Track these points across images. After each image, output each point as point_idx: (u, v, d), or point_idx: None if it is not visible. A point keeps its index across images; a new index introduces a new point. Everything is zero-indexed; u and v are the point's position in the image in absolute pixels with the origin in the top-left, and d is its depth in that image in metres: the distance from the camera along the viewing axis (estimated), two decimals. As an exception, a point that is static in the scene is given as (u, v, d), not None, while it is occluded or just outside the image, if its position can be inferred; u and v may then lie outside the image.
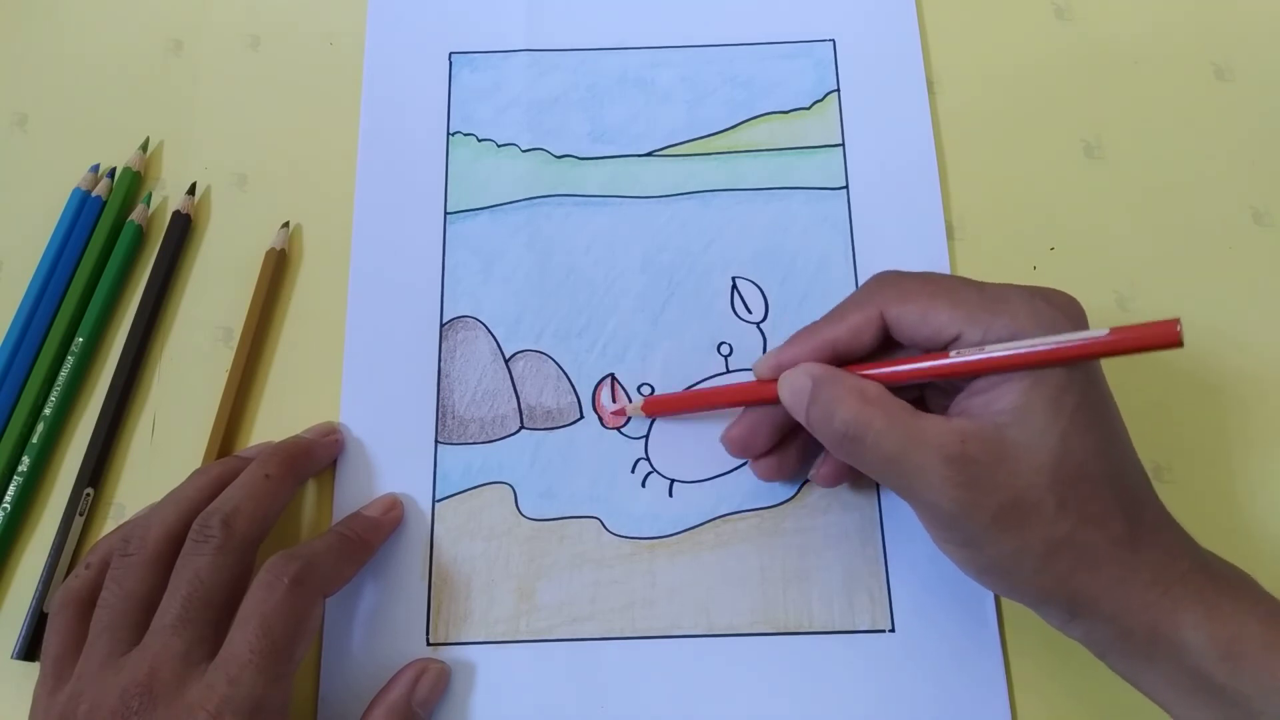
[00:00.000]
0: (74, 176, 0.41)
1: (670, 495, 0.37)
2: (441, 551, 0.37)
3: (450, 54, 0.44)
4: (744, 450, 0.36)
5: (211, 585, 0.31)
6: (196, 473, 0.35)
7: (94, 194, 0.41)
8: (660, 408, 0.38)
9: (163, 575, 0.32)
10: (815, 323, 0.32)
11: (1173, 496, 0.36)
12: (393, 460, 0.38)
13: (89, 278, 0.40)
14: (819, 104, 0.43)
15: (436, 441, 0.38)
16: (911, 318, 0.30)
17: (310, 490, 0.38)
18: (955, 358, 0.29)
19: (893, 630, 0.35)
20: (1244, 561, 0.30)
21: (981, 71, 0.43)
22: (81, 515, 0.37)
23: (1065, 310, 0.29)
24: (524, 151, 0.42)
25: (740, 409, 0.36)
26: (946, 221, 0.41)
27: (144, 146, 0.42)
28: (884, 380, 0.31)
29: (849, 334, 0.31)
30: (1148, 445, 0.37)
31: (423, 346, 0.39)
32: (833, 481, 0.36)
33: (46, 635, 0.32)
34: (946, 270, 0.40)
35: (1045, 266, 0.40)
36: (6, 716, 0.35)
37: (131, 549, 0.32)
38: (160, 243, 0.41)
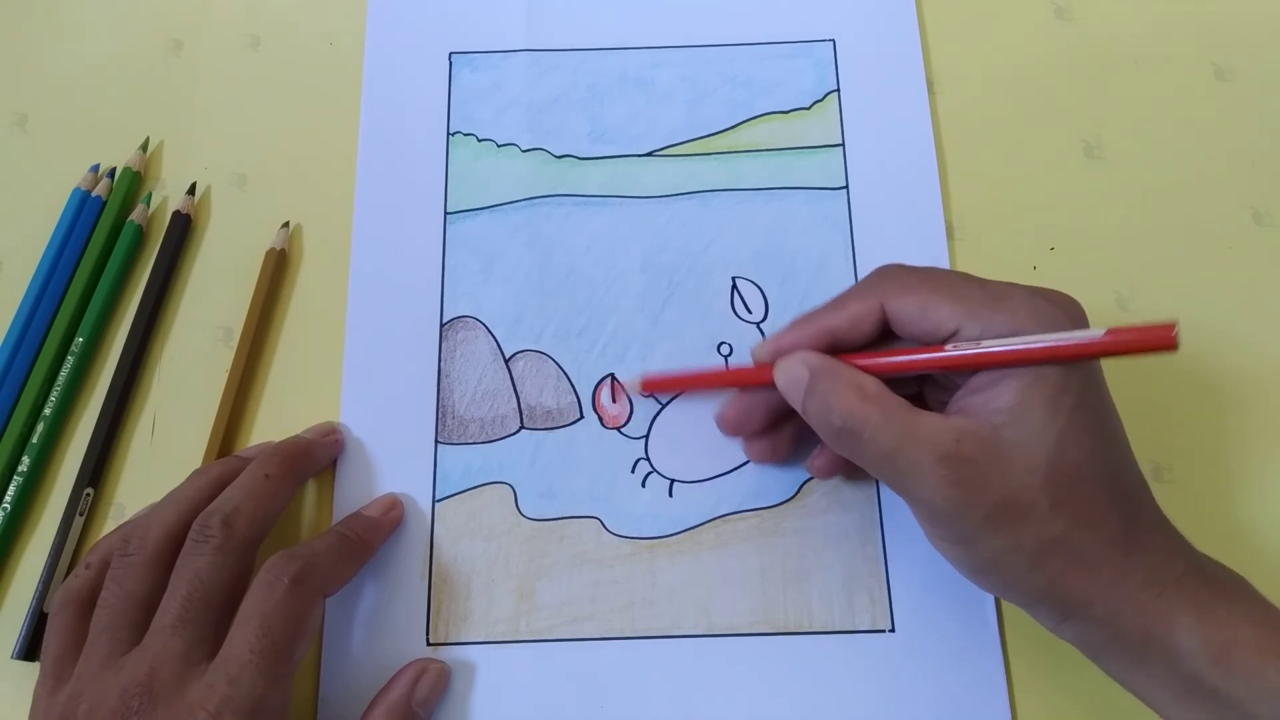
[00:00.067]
0: (74, 176, 0.41)
1: (670, 495, 0.37)
2: (441, 551, 0.37)
3: (450, 54, 0.44)
4: (737, 430, 0.36)
5: (211, 585, 0.31)
6: (196, 473, 0.35)
7: (94, 194, 0.41)
8: (658, 387, 0.38)
9: (163, 575, 0.32)
10: (816, 309, 0.32)
11: (1172, 497, 0.36)
12: (393, 460, 0.38)
13: (89, 278, 0.40)
14: (819, 104, 0.43)
15: (436, 441, 0.38)
16: (911, 310, 0.30)
17: (310, 490, 0.38)
18: (951, 351, 0.29)
19: (893, 630, 0.35)
20: (1242, 561, 0.30)
21: (981, 71, 0.43)
22: (81, 515, 0.37)
23: (1066, 310, 0.29)
24: (524, 151, 0.42)
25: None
26: (946, 221, 0.41)
27: (144, 146, 0.42)
28: (879, 371, 0.31)
29: (848, 323, 0.31)
30: (1147, 445, 0.37)
31: (423, 346, 0.39)
32: (828, 473, 0.36)
33: (46, 635, 0.32)
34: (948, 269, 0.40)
35: (1045, 266, 0.40)
36: (6, 716, 0.35)
37: (131, 549, 0.32)
38: (160, 243, 0.41)
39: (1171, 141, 0.42)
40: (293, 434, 0.37)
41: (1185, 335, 0.27)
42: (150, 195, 0.42)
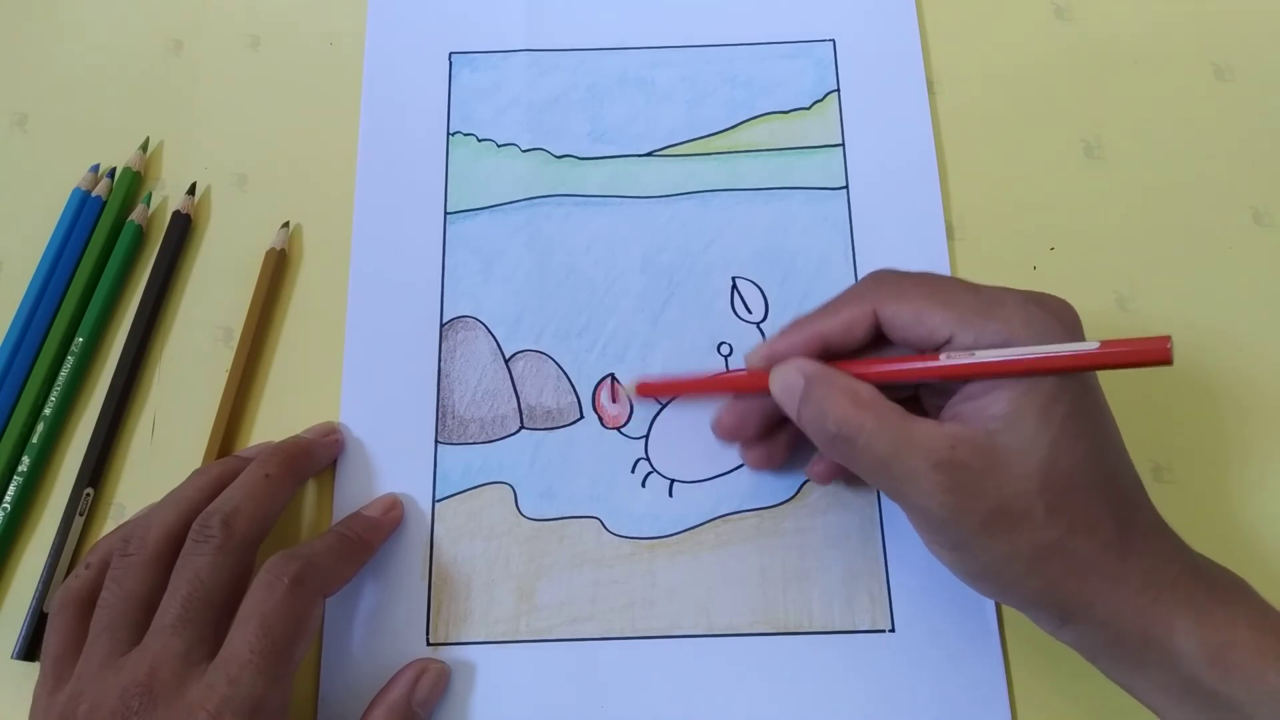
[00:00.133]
0: (74, 176, 0.41)
1: (670, 495, 0.37)
2: (441, 551, 0.37)
3: (450, 54, 0.44)
4: (732, 436, 0.36)
5: (211, 585, 0.31)
6: (196, 473, 0.35)
7: (94, 194, 0.41)
8: (654, 390, 0.38)
9: (163, 575, 0.32)
10: (809, 314, 0.32)
11: (1172, 497, 0.36)
12: (393, 460, 0.38)
13: (89, 278, 0.40)
14: (819, 104, 0.43)
15: (436, 441, 0.38)
16: (905, 317, 0.30)
17: (310, 490, 0.38)
18: (944, 361, 0.29)
19: (893, 630, 0.35)
20: (1242, 561, 0.30)
21: (981, 71, 0.43)
22: (81, 515, 0.37)
23: (1060, 316, 0.29)
24: (524, 151, 0.42)
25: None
26: (946, 221, 0.41)
27: (144, 146, 0.42)
28: (873, 379, 0.31)
29: (841, 329, 0.31)
30: (1147, 445, 0.37)
31: (423, 346, 0.39)
32: (828, 479, 0.36)
33: (46, 635, 0.32)
34: (946, 270, 0.40)
35: (1045, 266, 0.40)
36: (6, 716, 0.35)
37: (131, 549, 0.32)
38: (160, 243, 0.41)
39: (1171, 141, 0.42)
40: (293, 434, 0.37)
41: (1185, 335, 0.27)
42: (150, 195, 0.42)
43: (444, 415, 0.38)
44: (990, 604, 0.35)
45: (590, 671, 0.35)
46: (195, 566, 0.31)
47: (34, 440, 0.38)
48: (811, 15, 0.44)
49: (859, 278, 0.40)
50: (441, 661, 0.35)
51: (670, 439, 0.38)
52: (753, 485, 0.37)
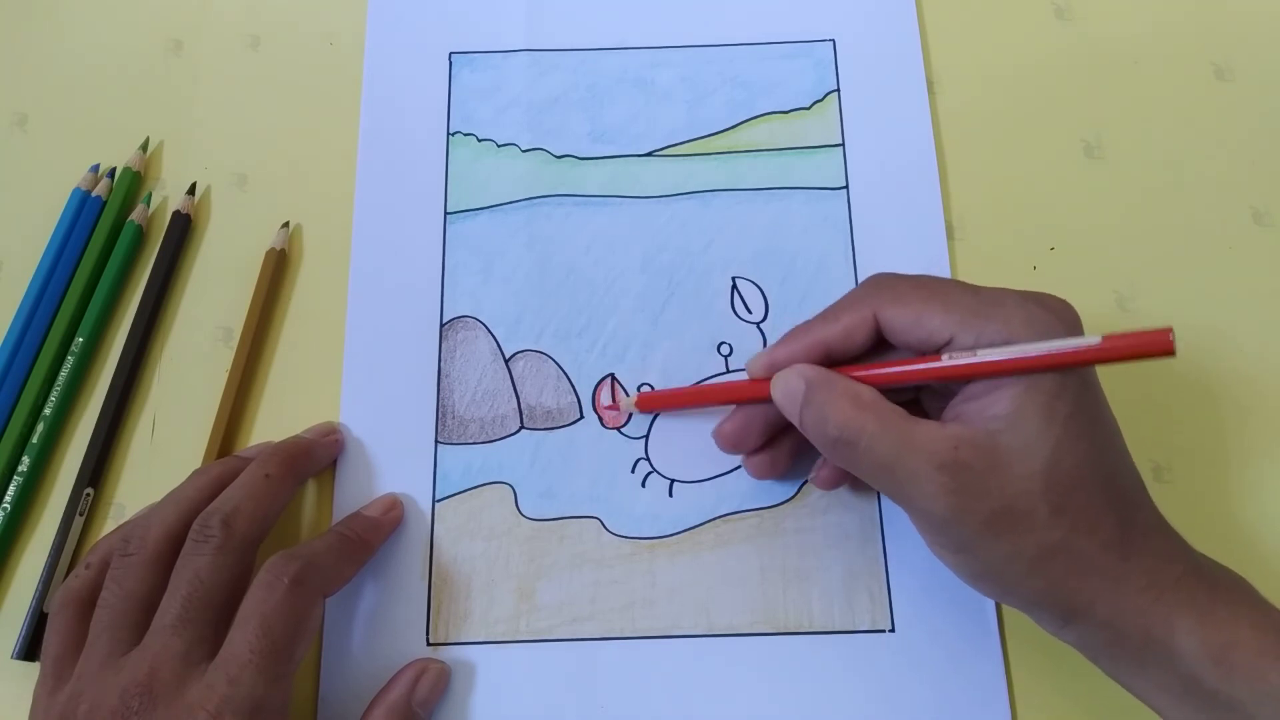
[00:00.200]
0: (74, 176, 0.41)
1: (670, 495, 0.37)
2: (441, 551, 0.37)
3: (450, 54, 0.44)
4: (736, 446, 0.36)
5: (211, 585, 0.31)
6: (196, 473, 0.35)
7: (94, 194, 0.41)
8: (654, 404, 0.38)
9: (163, 575, 0.32)
10: (808, 321, 0.32)
11: (1172, 496, 0.36)
12: (393, 460, 0.38)
13: (89, 278, 0.40)
14: (819, 104, 0.43)
15: (436, 441, 0.38)
16: (905, 320, 0.30)
17: (310, 490, 0.38)
18: (946, 361, 0.29)
19: (893, 630, 0.35)
20: (1242, 561, 0.30)
21: (981, 71, 0.43)
22: (81, 515, 0.37)
23: (1060, 315, 0.29)
24: (524, 151, 0.42)
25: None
26: (946, 221, 0.41)
27: (144, 146, 0.42)
28: (875, 382, 0.31)
29: (842, 334, 0.31)
30: (1147, 445, 0.37)
31: (423, 346, 0.39)
32: (832, 485, 0.36)
33: (46, 635, 0.32)
34: (946, 270, 0.40)
35: (1045, 267, 0.40)
36: (6, 716, 0.35)
37: (131, 549, 0.32)
38: (160, 243, 0.41)
39: (1171, 141, 0.42)
40: (293, 434, 0.37)
41: (1185, 335, 0.27)
42: (150, 195, 0.42)
43: (444, 415, 0.38)
44: (990, 604, 0.35)
45: (590, 671, 0.35)
46: (195, 566, 0.31)
47: (34, 440, 0.38)
48: (811, 15, 0.44)
49: (859, 278, 0.40)
50: (441, 661, 0.35)
51: (670, 439, 0.38)
52: (753, 485, 0.37)
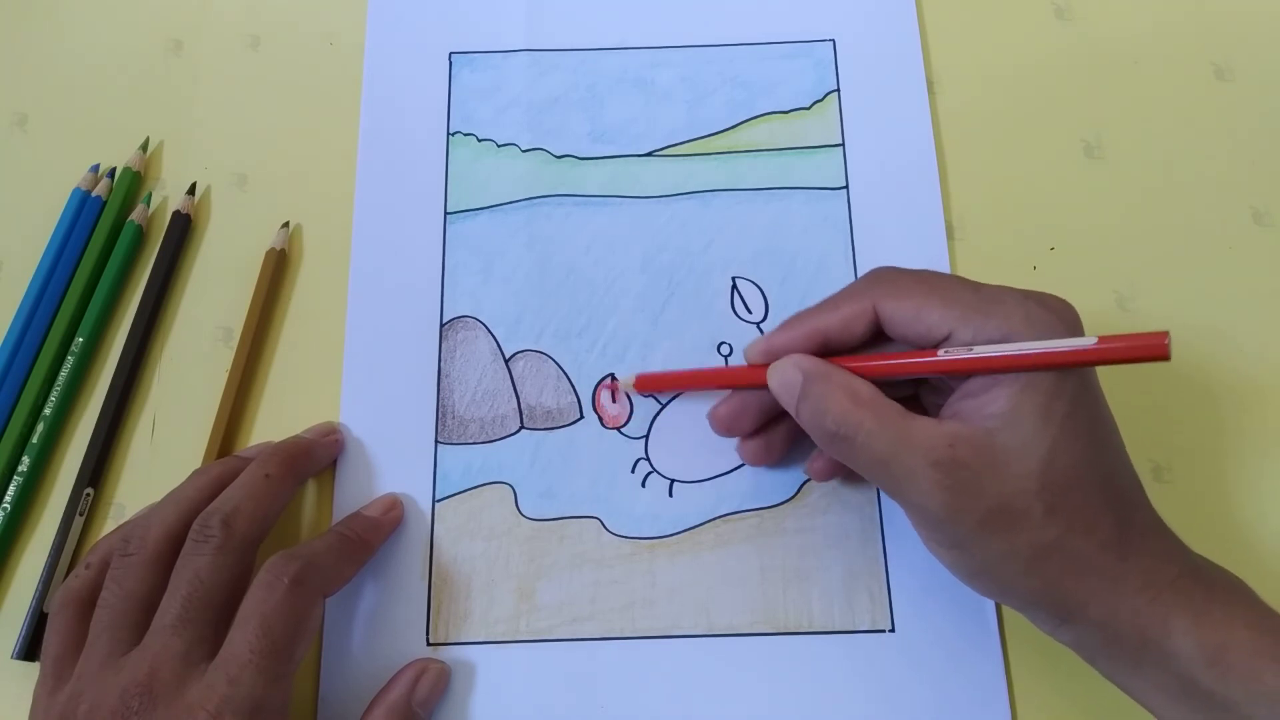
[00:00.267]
0: (74, 176, 0.41)
1: (670, 495, 0.37)
2: (441, 551, 0.37)
3: (450, 54, 0.44)
4: (729, 430, 0.36)
5: (211, 585, 0.31)
6: (196, 473, 0.35)
7: (94, 194, 0.41)
8: (652, 385, 0.38)
9: (163, 575, 0.32)
10: (808, 310, 0.32)
11: (1171, 496, 0.36)
12: (393, 460, 0.38)
13: (89, 278, 0.40)
14: (819, 104, 0.43)
15: (436, 441, 0.38)
16: (904, 314, 0.30)
17: (310, 490, 0.38)
18: (942, 356, 0.29)
19: (893, 630, 0.35)
20: (1241, 562, 0.30)
21: (981, 71, 0.43)
22: (81, 515, 0.37)
23: (1059, 314, 0.29)
24: (524, 151, 0.42)
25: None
26: (946, 221, 0.41)
27: (144, 146, 0.42)
28: (871, 374, 0.31)
29: (840, 325, 0.31)
30: (1146, 445, 0.37)
31: (423, 346, 0.39)
32: (827, 475, 0.36)
33: (46, 635, 0.32)
34: (945, 270, 0.40)
35: (1045, 266, 0.40)
36: (6, 716, 0.35)
37: (131, 549, 0.32)
38: (160, 243, 0.41)
39: (1171, 141, 0.42)
40: (293, 434, 0.37)
41: (1185, 335, 0.27)
42: (150, 195, 0.42)
43: (444, 415, 0.38)
44: (990, 604, 0.35)
45: (590, 671, 0.35)
46: (195, 566, 0.31)
47: (34, 440, 0.38)
48: (811, 15, 0.44)
49: (858, 278, 0.40)
50: (441, 661, 0.35)
51: (670, 439, 0.38)
52: (753, 485, 0.37)
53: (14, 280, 0.40)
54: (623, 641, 0.35)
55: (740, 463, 0.37)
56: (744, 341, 0.39)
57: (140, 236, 0.41)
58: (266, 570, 0.31)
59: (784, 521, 0.37)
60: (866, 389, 0.30)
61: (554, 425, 0.38)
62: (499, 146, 0.42)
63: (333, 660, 0.35)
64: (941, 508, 0.28)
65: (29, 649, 0.35)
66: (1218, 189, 0.41)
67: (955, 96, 0.43)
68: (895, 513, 0.37)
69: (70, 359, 0.39)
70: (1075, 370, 0.29)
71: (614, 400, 0.39)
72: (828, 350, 0.32)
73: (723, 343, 0.39)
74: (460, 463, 0.38)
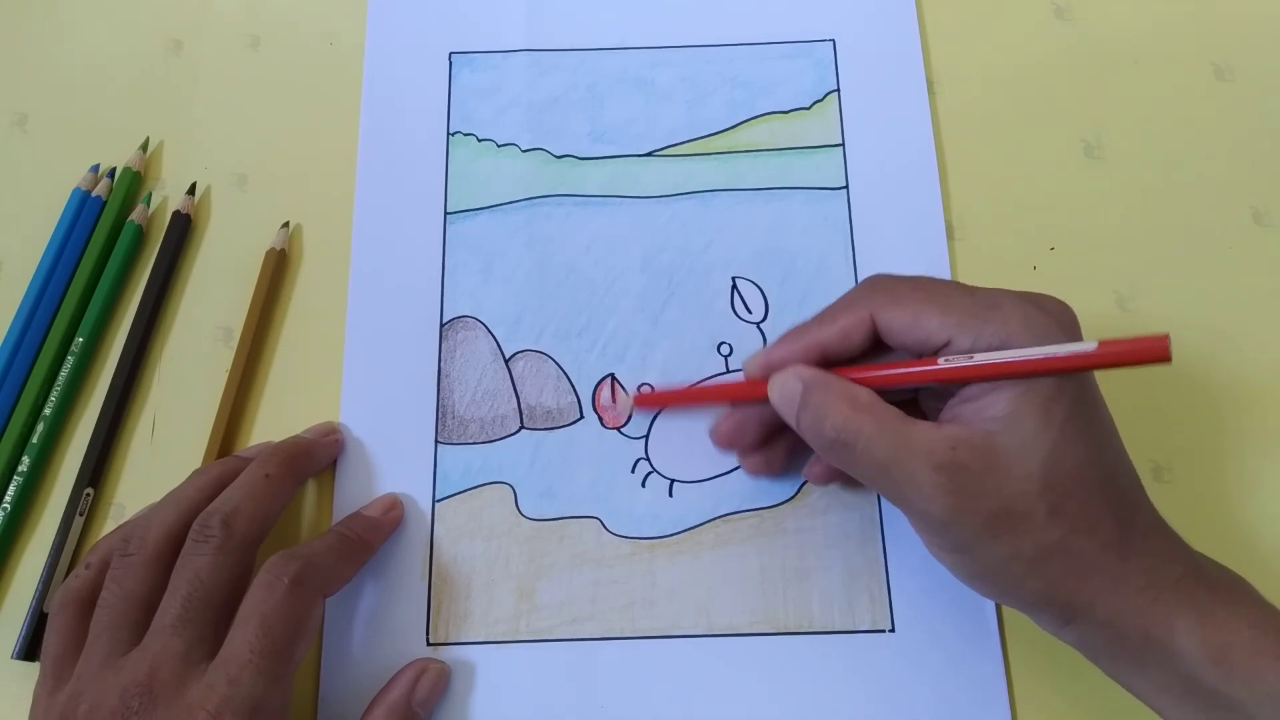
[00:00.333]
0: (74, 176, 0.41)
1: (670, 495, 0.37)
2: (441, 551, 0.37)
3: (450, 54, 0.44)
4: (732, 445, 0.36)
5: (211, 585, 0.31)
6: (196, 473, 0.35)
7: (94, 194, 0.41)
8: (652, 402, 0.38)
9: (163, 575, 0.32)
10: (805, 323, 0.32)
11: (1171, 497, 0.36)
12: (393, 460, 0.38)
13: (89, 278, 0.40)
14: (819, 104, 0.43)
15: (436, 441, 0.38)
16: (902, 322, 0.30)
17: (310, 490, 0.38)
18: (943, 364, 0.29)
19: (893, 630, 0.35)
20: (1242, 561, 0.30)
21: (981, 71, 0.43)
22: (81, 515, 0.37)
23: (1058, 317, 0.29)
24: (524, 151, 0.42)
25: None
26: (946, 221, 0.41)
27: (144, 146, 0.42)
28: (872, 384, 0.31)
29: (839, 336, 0.31)
30: (1146, 445, 0.37)
31: (423, 346, 0.39)
32: (826, 479, 0.36)
33: (46, 635, 0.32)
34: (946, 270, 0.40)
35: (1045, 267, 0.40)
36: (6, 716, 0.35)
37: (131, 549, 0.32)
38: (160, 243, 0.41)
39: (1171, 141, 0.42)
40: (293, 434, 0.37)
41: (1185, 335, 0.27)
42: (150, 195, 0.42)
43: (444, 415, 0.38)
44: (990, 604, 0.35)
45: (590, 671, 0.35)
46: (195, 566, 0.31)
47: (34, 440, 0.38)
48: (811, 15, 0.44)
49: (859, 278, 0.40)
50: (441, 661, 0.35)
51: (670, 439, 0.38)
52: (753, 485, 0.37)
53: (14, 280, 0.40)
54: (623, 641, 0.35)
55: (740, 463, 0.37)
56: (744, 341, 0.39)
57: (140, 236, 0.41)
58: (266, 570, 0.31)
59: (784, 522, 0.37)
60: (866, 395, 0.30)
61: (554, 425, 0.38)
62: (499, 146, 0.42)
63: (333, 660, 0.35)
64: (944, 511, 0.28)
65: (29, 649, 0.35)
66: (1218, 189, 0.41)
67: (955, 96, 0.43)
68: (895, 513, 0.36)
69: (70, 359, 0.39)
70: (1075, 372, 0.29)
71: (614, 400, 0.39)
72: (827, 362, 0.32)
73: (723, 343, 0.39)
74: (460, 463, 0.38)
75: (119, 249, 0.40)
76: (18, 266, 0.40)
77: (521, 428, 0.38)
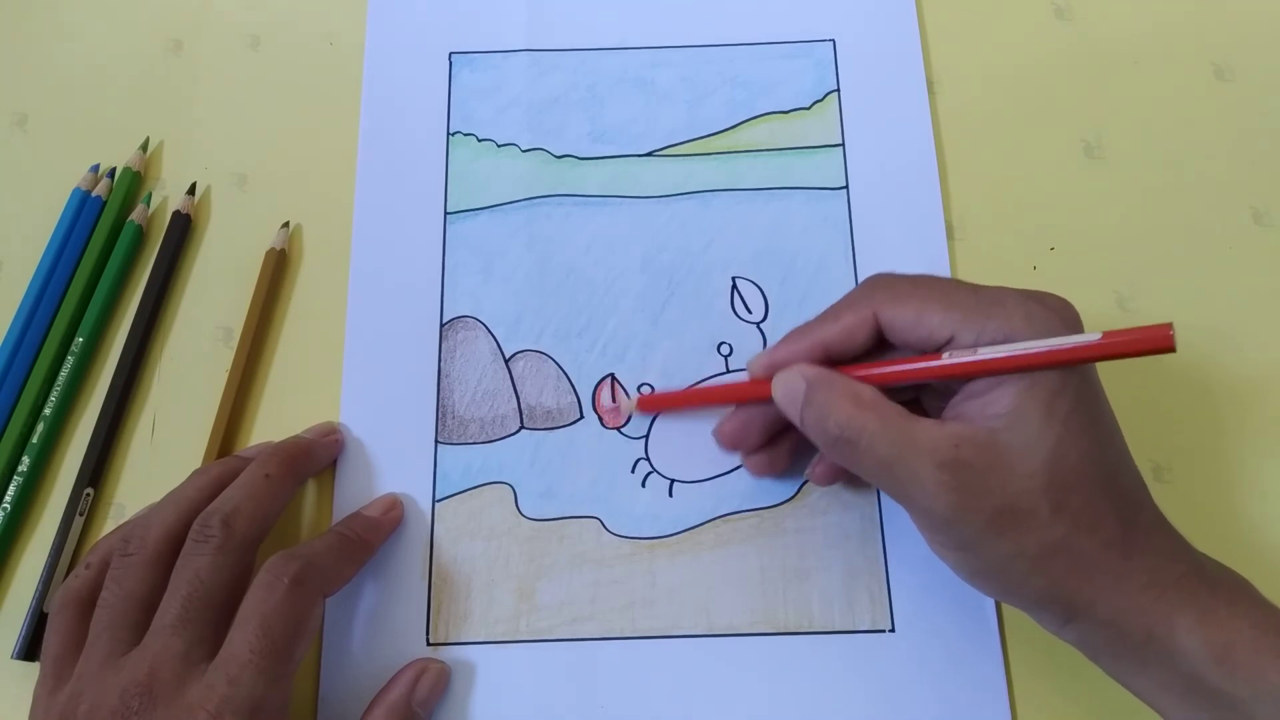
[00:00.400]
0: (74, 176, 0.41)
1: (670, 495, 0.37)
2: (441, 551, 0.37)
3: (450, 54, 0.44)
4: (736, 445, 0.36)
5: (211, 585, 0.31)
6: (196, 473, 0.35)
7: (94, 194, 0.41)
8: (655, 405, 0.38)
9: (163, 575, 0.32)
10: (809, 322, 0.32)
11: (1171, 496, 0.36)
12: (393, 460, 0.38)
13: (89, 278, 0.40)
14: (819, 104, 0.43)
15: (436, 441, 0.38)
16: (905, 319, 0.30)
17: (310, 490, 0.38)
18: (947, 360, 0.29)
19: (893, 630, 0.35)
20: (1242, 561, 0.30)
21: (981, 71, 0.43)
22: (81, 515, 0.37)
23: (1060, 313, 0.29)
24: (524, 151, 0.42)
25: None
26: (946, 221, 0.41)
27: (144, 146, 0.42)
28: (876, 382, 0.31)
29: (842, 335, 0.31)
30: (1146, 445, 0.37)
31: (423, 346, 0.39)
32: (828, 480, 0.36)
33: (46, 635, 0.32)
34: (946, 270, 0.40)
35: (1045, 266, 0.40)
36: (6, 716, 0.35)
37: (131, 549, 0.32)
38: (160, 243, 0.41)
39: (1171, 141, 0.42)
40: (293, 434, 0.37)
41: (1185, 335, 0.27)
42: (150, 195, 0.42)
43: (444, 415, 0.38)
44: (990, 604, 0.35)
45: (590, 671, 0.35)
46: (195, 566, 0.31)
47: (34, 440, 0.38)
48: (811, 15, 0.44)
49: (859, 278, 0.40)
50: (441, 661, 0.35)
51: (670, 439, 0.38)
52: (753, 485, 0.37)
53: (14, 280, 0.40)
54: (623, 641, 0.35)
55: (740, 463, 0.37)
56: (744, 341, 0.39)
57: (140, 236, 0.41)
58: (266, 570, 0.31)
59: (784, 521, 0.37)
60: (869, 392, 0.30)
61: (554, 425, 0.38)
62: (499, 146, 0.42)
63: (333, 660, 0.35)
64: (948, 509, 0.28)
65: (29, 649, 0.35)
66: (1218, 189, 0.41)
67: (955, 96, 0.43)
68: (895, 513, 0.37)
69: (70, 359, 0.39)
70: (1078, 369, 0.29)
71: (614, 400, 0.39)
72: (831, 361, 0.32)
73: (723, 343, 0.39)
74: (460, 463, 0.38)
75: (119, 249, 0.40)
76: (18, 266, 0.40)
77: (521, 428, 0.38)
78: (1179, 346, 0.27)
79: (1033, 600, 0.30)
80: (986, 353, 0.28)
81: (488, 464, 0.38)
